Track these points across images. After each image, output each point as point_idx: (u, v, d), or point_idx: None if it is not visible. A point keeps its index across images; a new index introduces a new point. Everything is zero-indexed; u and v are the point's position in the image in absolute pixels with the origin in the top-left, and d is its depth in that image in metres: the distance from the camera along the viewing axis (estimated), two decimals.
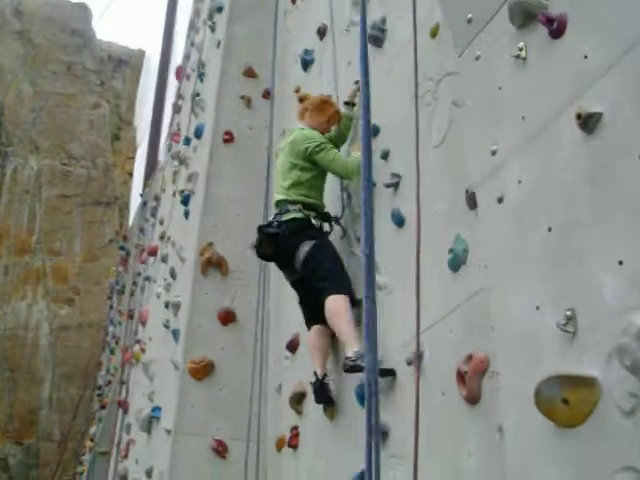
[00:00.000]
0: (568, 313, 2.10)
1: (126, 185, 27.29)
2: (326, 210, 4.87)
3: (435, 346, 3.42)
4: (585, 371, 2.01)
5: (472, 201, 3.50)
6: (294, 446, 5.16)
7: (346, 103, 5.07)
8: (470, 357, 3.23)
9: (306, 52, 6.37)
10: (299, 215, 4.60)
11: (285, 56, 7.16)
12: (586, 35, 2.27)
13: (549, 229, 2.26)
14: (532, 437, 2.18)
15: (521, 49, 2.54)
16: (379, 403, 2.46)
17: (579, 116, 2.16)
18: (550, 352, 2.16)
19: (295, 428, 5.17)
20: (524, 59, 2.53)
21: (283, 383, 5.62)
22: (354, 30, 5.54)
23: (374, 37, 4.99)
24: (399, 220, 4.22)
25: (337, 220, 4.89)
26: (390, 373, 4.23)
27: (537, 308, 2.25)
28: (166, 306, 6.94)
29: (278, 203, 4.76)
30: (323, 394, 4.52)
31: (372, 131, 4.82)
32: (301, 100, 5.16)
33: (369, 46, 5.07)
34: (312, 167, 4.70)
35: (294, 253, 4.53)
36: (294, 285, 4.87)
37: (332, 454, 4.63)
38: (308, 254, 4.48)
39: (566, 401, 2.03)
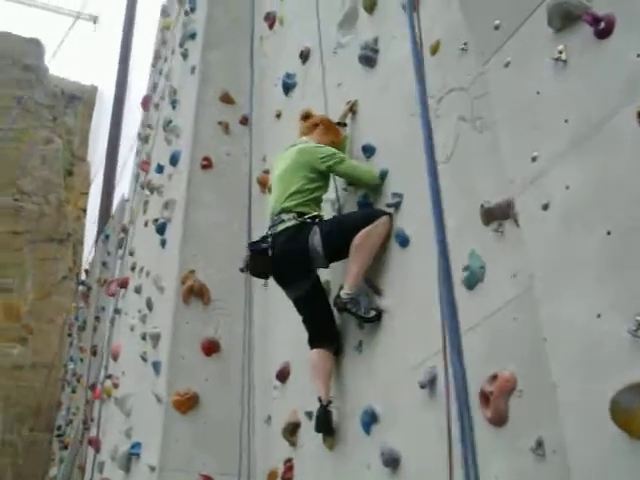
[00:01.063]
0: (639, 319, 2.00)
1: (79, 221, 26.79)
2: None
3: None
4: None
5: (488, 216, 3.42)
6: (288, 479, 4.96)
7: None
8: (495, 377, 3.12)
9: (288, 76, 6.28)
10: (292, 222, 4.43)
11: (263, 81, 7.06)
12: (637, 33, 2.21)
13: (608, 232, 2.16)
14: (601, 451, 2.05)
15: (561, 52, 2.47)
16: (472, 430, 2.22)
17: None
18: (618, 361, 2.04)
19: (289, 460, 4.97)
20: (565, 62, 2.46)
21: (272, 414, 5.43)
22: (342, 52, 5.48)
23: (366, 57, 4.92)
24: (403, 240, 4.12)
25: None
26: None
27: (598, 316, 2.14)
28: (143, 338, 6.68)
29: (273, 214, 4.59)
30: (325, 422, 4.33)
31: (368, 150, 4.76)
32: (306, 117, 5.01)
33: (360, 67, 5.04)
34: (317, 178, 4.57)
35: (305, 257, 4.37)
36: (297, 303, 4.66)
37: None
38: (323, 235, 4.34)
39: None
